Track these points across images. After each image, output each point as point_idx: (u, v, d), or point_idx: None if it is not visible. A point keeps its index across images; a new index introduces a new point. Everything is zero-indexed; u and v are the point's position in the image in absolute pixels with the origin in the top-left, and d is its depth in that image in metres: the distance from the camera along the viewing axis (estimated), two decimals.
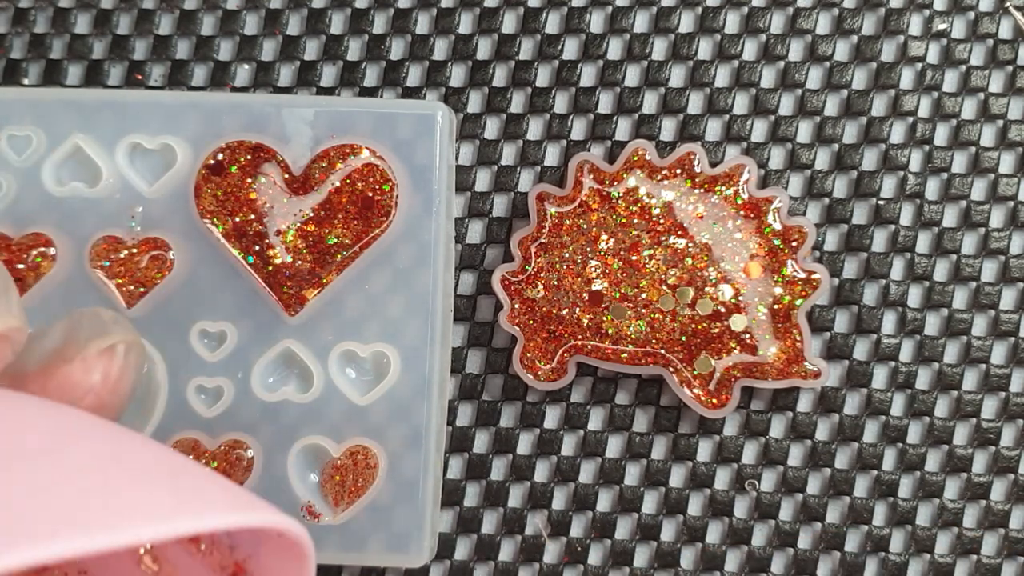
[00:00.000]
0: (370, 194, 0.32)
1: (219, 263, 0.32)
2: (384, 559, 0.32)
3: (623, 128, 0.34)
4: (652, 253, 0.32)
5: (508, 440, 0.34)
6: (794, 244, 0.32)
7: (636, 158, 0.32)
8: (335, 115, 0.32)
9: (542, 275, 0.32)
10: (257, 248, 0.32)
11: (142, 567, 0.23)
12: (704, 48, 0.34)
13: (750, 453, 0.33)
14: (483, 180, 0.34)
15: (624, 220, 0.32)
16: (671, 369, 0.32)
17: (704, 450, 0.33)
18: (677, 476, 0.33)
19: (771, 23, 0.34)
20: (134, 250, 0.32)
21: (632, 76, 0.34)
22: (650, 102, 0.34)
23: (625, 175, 0.32)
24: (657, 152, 0.33)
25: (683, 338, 0.32)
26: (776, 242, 0.32)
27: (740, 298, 0.32)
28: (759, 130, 0.34)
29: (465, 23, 0.34)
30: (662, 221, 0.32)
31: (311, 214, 0.32)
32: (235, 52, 0.34)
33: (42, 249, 0.32)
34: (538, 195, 0.33)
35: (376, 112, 0.32)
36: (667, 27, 0.34)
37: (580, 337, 0.32)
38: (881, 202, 0.34)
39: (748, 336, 0.32)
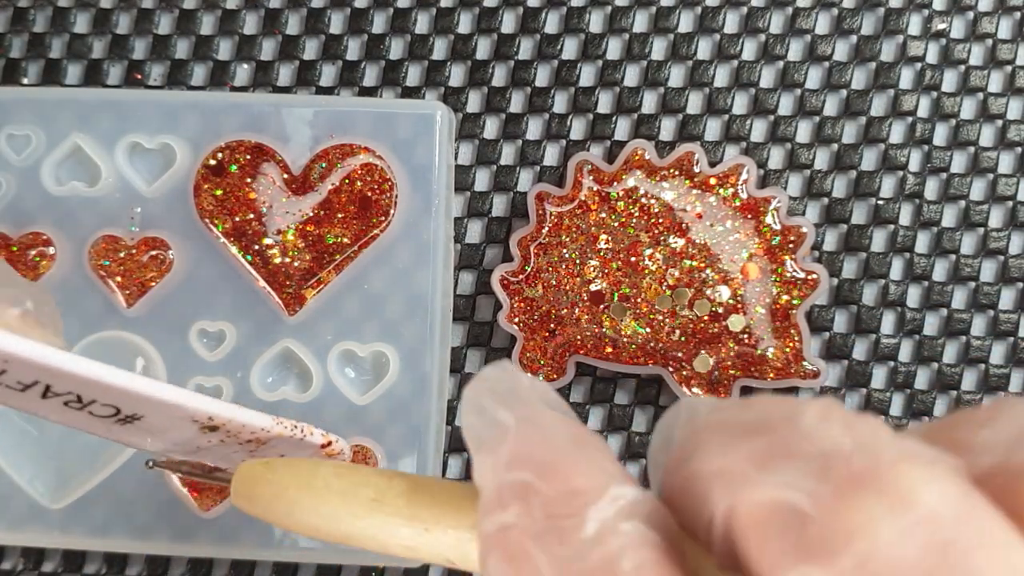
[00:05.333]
0: (369, 194, 0.32)
1: (218, 263, 0.32)
2: (384, 559, 0.32)
3: (622, 128, 0.34)
4: (651, 253, 0.32)
5: None
6: (793, 244, 0.32)
7: (635, 158, 0.32)
8: (334, 115, 0.32)
9: (541, 275, 0.32)
10: (256, 248, 0.32)
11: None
12: (703, 48, 0.34)
13: None
14: (482, 180, 0.34)
15: (623, 220, 0.32)
16: (670, 368, 0.32)
17: None
18: None
19: (770, 23, 0.34)
20: (133, 250, 0.32)
21: (631, 76, 0.34)
22: (649, 102, 0.34)
23: (624, 175, 0.32)
24: (656, 152, 0.33)
25: (682, 338, 0.32)
26: (775, 242, 0.32)
27: (738, 298, 0.32)
28: (758, 130, 0.34)
29: (464, 23, 0.34)
30: (661, 221, 0.32)
31: (310, 214, 0.32)
32: (234, 52, 0.34)
33: (41, 248, 0.32)
34: (537, 195, 0.33)
35: (375, 112, 0.32)
36: (666, 27, 0.34)
37: (579, 337, 0.32)
38: (880, 202, 0.34)
39: (747, 336, 0.32)
